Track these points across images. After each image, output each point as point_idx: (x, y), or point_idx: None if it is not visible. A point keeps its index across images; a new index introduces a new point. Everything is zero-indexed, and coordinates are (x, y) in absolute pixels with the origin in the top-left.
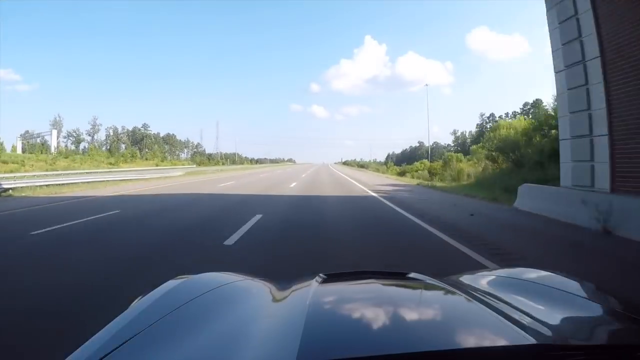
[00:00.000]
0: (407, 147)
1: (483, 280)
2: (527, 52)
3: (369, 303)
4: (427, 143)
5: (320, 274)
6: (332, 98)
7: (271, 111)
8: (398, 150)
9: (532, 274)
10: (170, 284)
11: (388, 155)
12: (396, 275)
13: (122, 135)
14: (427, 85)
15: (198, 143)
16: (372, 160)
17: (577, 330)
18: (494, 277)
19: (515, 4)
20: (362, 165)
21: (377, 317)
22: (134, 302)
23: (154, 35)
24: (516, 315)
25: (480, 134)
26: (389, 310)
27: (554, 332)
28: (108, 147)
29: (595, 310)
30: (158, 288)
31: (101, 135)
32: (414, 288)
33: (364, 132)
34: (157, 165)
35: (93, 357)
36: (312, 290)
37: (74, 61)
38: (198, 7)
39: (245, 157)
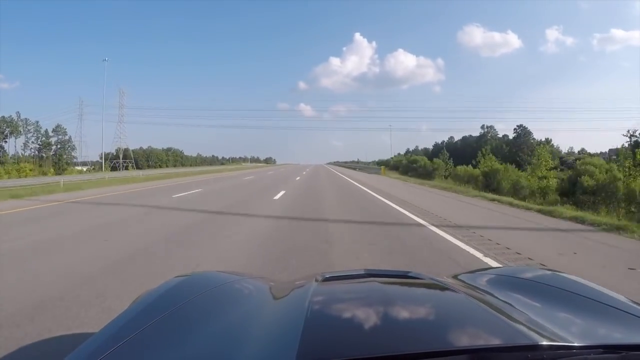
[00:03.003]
0: (442, 140)
1: (483, 279)
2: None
3: (369, 303)
4: None
5: (320, 273)
6: (320, 96)
7: (251, 106)
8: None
9: (533, 273)
10: (170, 282)
11: (407, 151)
12: (396, 274)
13: None
14: None
15: (58, 126)
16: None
17: (578, 329)
18: (494, 276)
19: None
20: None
21: (376, 317)
22: (134, 301)
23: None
24: (517, 315)
25: None
26: (389, 310)
27: (554, 332)
28: None
29: (595, 309)
30: (158, 286)
31: None
32: (413, 287)
33: (357, 130)
34: None
35: (93, 356)
36: (311, 290)
37: None
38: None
39: (214, 155)
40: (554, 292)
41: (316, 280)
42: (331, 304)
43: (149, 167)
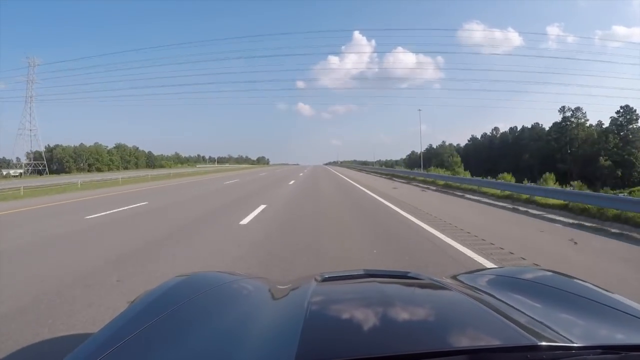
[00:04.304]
0: (482, 132)
1: (483, 279)
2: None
3: (368, 303)
4: None
5: (320, 274)
6: (318, 95)
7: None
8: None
9: (532, 273)
10: (169, 282)
11: (412, 153)
12: (395, 274)
13: None
14: None
15: None
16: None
17: (577, 330)
18: (493, 276)
19: None
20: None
21: (376, 317)
22: (133, 301)
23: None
24: (516, 315)
25: None
26: (388, 310)
27: (554, 332)
28: None
29: (595, 310)
30: (157, 287)
31: None
32: (413, 288)
33: (353, 130)
34: None
35: (92, 357)
36: (310, 290)
37: None
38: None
39: (204, 156)
40: (553, 293)
41: (315, 281)
42: (330, 304)
43: (78, 170)
